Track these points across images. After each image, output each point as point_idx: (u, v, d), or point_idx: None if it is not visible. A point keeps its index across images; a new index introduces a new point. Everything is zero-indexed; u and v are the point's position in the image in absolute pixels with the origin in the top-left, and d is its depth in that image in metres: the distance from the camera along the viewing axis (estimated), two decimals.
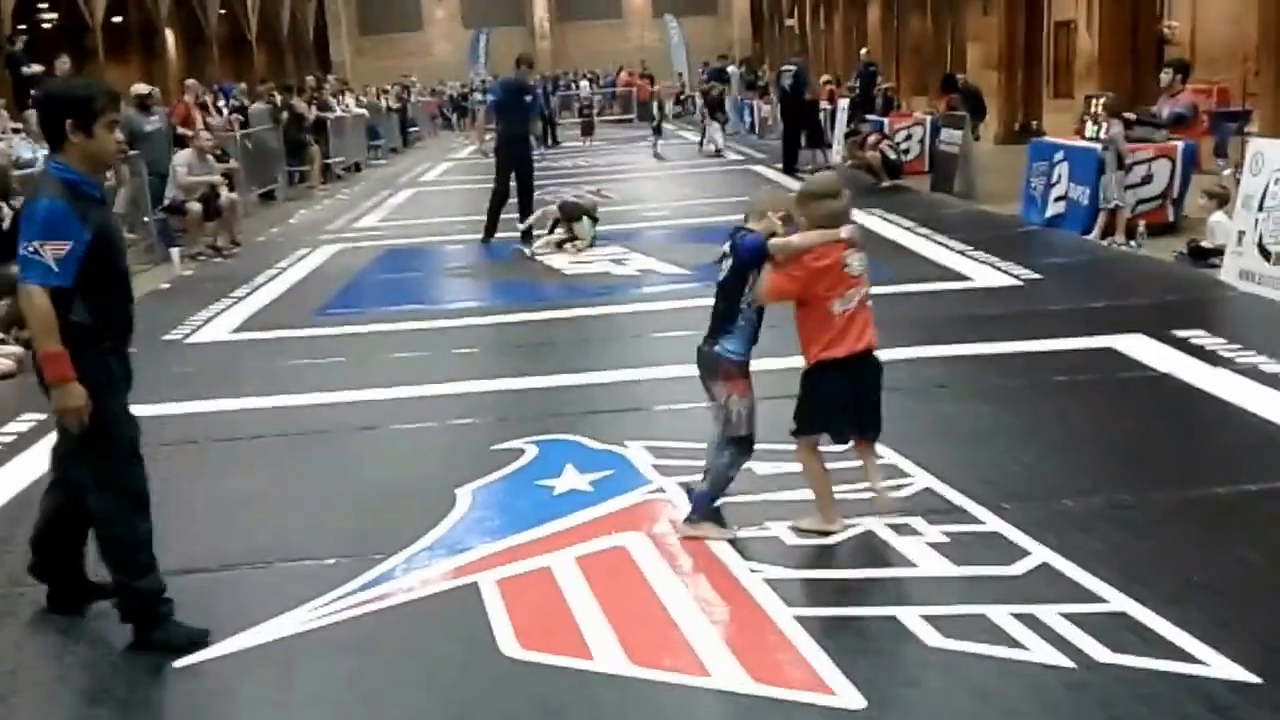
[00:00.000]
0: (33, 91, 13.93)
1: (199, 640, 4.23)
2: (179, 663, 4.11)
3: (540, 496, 5.47)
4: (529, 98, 13.98)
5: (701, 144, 25.22)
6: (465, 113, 43.71)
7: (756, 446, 5.89)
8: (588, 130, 32.19)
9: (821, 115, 20.77)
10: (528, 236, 13.33)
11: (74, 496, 4.37)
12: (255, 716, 3.78)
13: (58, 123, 4.10)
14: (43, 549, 4.55)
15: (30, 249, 3.95)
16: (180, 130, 15.32)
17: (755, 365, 4.93)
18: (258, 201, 18.72)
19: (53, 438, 4.49)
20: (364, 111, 27.93)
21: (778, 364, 5.33)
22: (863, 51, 26.54)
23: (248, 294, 11.48)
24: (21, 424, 6.99)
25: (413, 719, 3.69)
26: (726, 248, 4.84)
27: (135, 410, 4.35)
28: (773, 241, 4.70)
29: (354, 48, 51.81)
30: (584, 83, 43.17)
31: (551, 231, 13.01)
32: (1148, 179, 11.46)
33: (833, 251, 4.72)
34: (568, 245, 12.80)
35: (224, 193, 14.26)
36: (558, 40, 52.35)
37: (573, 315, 9.64)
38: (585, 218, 13.00)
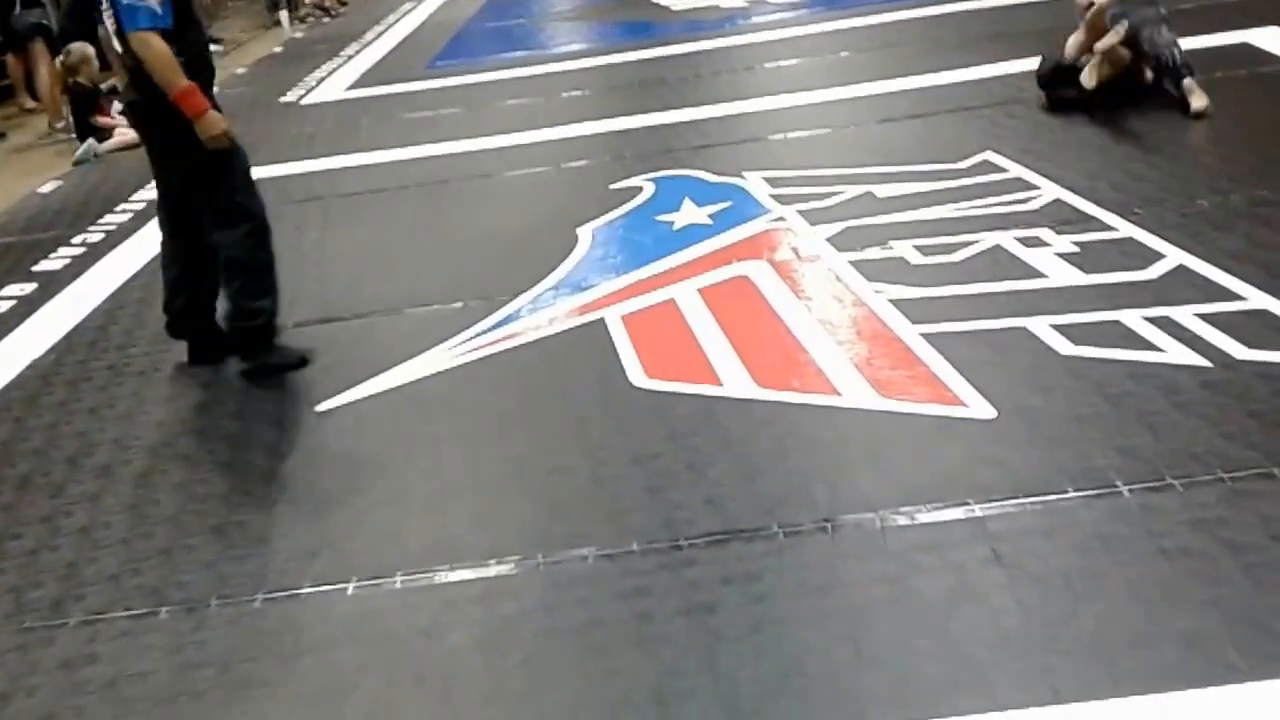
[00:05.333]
0: None
1: (305, 361, 4.57)
2: (322, 406, 4.28)
3: (660, 231, 5.47)
4: None
5: None
6: None
7: (874, 170, 5.83)
8: None
9: None
10: None
11: (197, 255, 4.58)
12: (399, 451, 3.91)
13: None
14: (175, 308, 4.74)
15: None
16: None
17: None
18: None
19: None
20: None
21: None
22: None
23: (358, 51, 11.47)
24: (151, 192, 7.17)
25: (550, 448, 3.79)
26: None
27: (259, 171, 4.45)
28: None
29: None
30: None
31: None
32: None
33: None
34: None
35: None
36: None
37: (683, 51, 9.43)
38: None
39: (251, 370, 4.58)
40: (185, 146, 4.31)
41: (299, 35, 12.99)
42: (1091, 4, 6.42)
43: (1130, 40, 6.23)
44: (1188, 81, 6.05)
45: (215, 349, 4.73)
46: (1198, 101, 5.99)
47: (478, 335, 4.64)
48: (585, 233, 5.54)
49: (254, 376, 4.56)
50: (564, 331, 4.58)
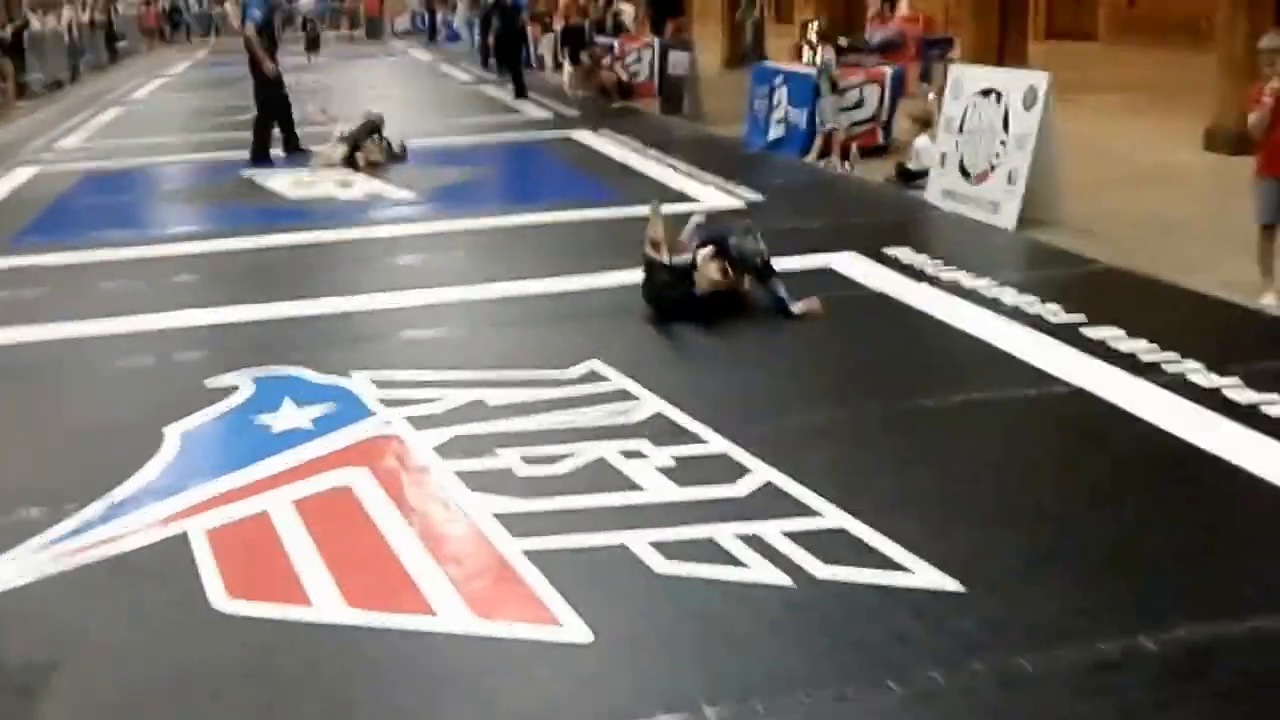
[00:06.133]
0: None
1: None
2: None
3: (257, 434, 5.23)
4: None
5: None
6: (178, 26, 42.06)
7: (485, 375, 5.85)
8: (313, 45, 30.99)
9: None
10: (262, 156, 13.06)
11: None
12: None
13: None
14: None
15: None
16: None
17: None
18: None
19: None
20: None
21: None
22: None
23: None
24: None
25: (117, 681, 3.46)
26: None
27: None
28: None
29: None
30: None
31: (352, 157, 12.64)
32: (859, 103, 11.88)
33: None
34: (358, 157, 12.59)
35: None
36: None
37: (296, 241, 9.28)
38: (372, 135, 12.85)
39: None
40: None
41: None
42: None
43: (721, 251, 6.66)
44: (799, 307, 6.58)
45: None
46: (805, 306, 6.52)
47: (44, 549, 4.21)
48: (174, 433, 5.22)
49: None
50: (141, 546, 4.24)
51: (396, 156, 12.99)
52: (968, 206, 8.97)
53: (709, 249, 6.67)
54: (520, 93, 18.63)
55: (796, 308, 6.57)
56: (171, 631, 3.70)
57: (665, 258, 6.75)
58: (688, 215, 7.84)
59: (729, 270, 6.62)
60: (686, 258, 6.71)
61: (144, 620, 3.79)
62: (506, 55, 19.46)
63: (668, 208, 9.53)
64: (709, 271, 6.58)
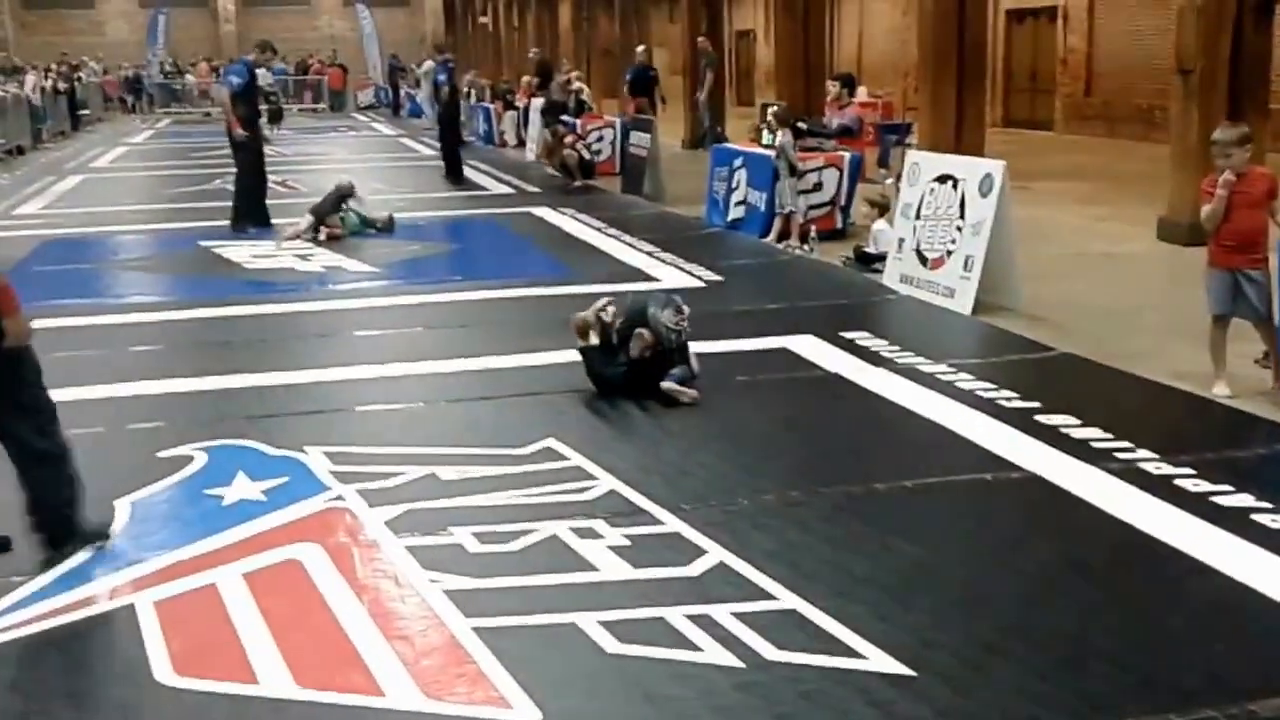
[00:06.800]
0: None
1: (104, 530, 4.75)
2: None
3: (208, 507, 5.18)
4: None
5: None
6: (140, 95, 42.24)
7: (440, 450, 5.80)
8: (275, 118, 31.09)
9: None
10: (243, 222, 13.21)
11: None
12: None
13: None
14: None
15: None
16: None
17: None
18: None
19: None
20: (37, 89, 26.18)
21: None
22: (639, 49, 22.64)
23: None
24: None
25: None
26: None
27: None
28: None
29: (18, 23, 48.21)
30: (262, 70, 41.48)
31: (317, 229, 12.73)
32: (818, 186, 12.00)
33: None
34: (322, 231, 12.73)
35: None
36: (242, 25, 50.14)
37: (254, 313, 9.27)
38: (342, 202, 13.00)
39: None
40: None
41: None
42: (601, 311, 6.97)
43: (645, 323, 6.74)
44: (668, 385, 6.57)
45: None
46: (674, 390, 6.55)
47: None
48: (125, 505, 5.17)
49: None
50: (86, 618, 4.18)
51: (383, 229, 13.07)
52: (924, 291, 9.07)
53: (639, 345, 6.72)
54: (450, 173, 18.17)
55: (665, 385, 6.58)
56: (114, 706, 3.64)
57: (595, 341, 6.81)
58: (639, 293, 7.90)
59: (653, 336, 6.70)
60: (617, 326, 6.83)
61: (87, 694, 3.72)
62: (441, 132, 18.95)
63: (625, 286, 9.72)
64: (639, 338, 6.67)
